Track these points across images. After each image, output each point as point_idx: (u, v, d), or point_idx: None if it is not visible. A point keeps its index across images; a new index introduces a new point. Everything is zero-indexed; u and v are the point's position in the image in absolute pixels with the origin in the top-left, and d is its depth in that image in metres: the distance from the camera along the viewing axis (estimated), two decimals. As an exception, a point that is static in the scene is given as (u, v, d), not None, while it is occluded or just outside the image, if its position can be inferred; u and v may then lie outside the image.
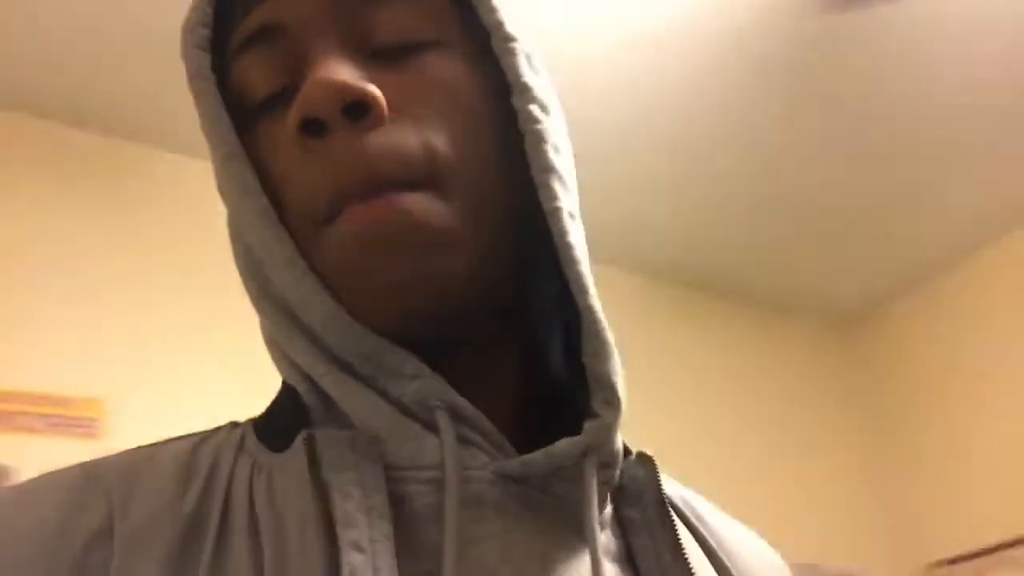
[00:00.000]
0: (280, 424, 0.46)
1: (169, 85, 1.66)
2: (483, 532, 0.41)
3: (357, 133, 0.42)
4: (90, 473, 0.44)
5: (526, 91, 0.47)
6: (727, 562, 0.50)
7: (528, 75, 0.47)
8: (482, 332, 0.47)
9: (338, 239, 0.43)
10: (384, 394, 0.44)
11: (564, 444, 0.43)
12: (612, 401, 0.45)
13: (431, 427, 0.43)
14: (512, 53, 0.47)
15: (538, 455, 0.43)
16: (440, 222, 0.43)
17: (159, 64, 1.91)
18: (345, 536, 0.38)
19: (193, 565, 0.40)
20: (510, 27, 0.48)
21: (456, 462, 0.41)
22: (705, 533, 0.51)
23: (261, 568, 0.40)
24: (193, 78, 0.48)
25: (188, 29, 0.49)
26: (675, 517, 0.47)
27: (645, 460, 0.48)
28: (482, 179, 0.45)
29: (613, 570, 0.44)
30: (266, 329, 0.49)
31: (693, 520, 0.52)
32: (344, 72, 0.43)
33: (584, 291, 0.45)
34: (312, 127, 0.43)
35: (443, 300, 0.43)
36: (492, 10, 0.48)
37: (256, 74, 0.47)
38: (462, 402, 0.43)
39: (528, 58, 0.48)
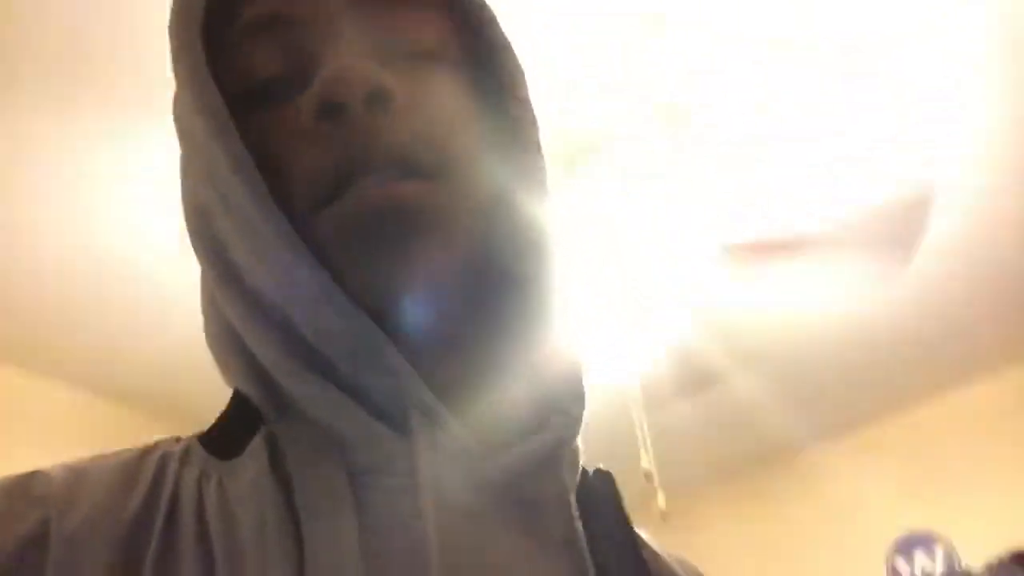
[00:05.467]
0: (230, 432, 0.45)
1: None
2: (456, 537, 0.40)
3: (372, 118, 0.43)
4: (28, 482, 0.43)
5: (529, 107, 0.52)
6: None
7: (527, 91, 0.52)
8: (468, 325, 0.47)
9: (342, 215, 0.43)
10: (354, 388, 0.42)
11: (535, 442, 0.44)
12: (580, 396, 0.47)
13: (402, 428, 0.42)
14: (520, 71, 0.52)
15: (511, 456, 0.43)
16: (436, 209, 0.44)
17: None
18: (310, 526, 0.38)
19: (135, 568, 0.39)
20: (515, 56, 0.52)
21: (430, 469, 0.41)
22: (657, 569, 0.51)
23: (212, 570, 0.39)
24: (182, 50, 0.47)
25: (181, 8, 0.48)
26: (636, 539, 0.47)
27: (605, 476, 0.48)
28: (471, 173, 0.47)
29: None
30: (219, 323, 0.47)
31: (648, 558, 0.50)
32: (365, 63, 0.44)
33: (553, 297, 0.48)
34: (330, 111, 0.43)
35: (435, 282, 0.44)
36: (500, 37, 0.52)
37: (259, 58, 0.46)
38: (435, 405, 0.43)
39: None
